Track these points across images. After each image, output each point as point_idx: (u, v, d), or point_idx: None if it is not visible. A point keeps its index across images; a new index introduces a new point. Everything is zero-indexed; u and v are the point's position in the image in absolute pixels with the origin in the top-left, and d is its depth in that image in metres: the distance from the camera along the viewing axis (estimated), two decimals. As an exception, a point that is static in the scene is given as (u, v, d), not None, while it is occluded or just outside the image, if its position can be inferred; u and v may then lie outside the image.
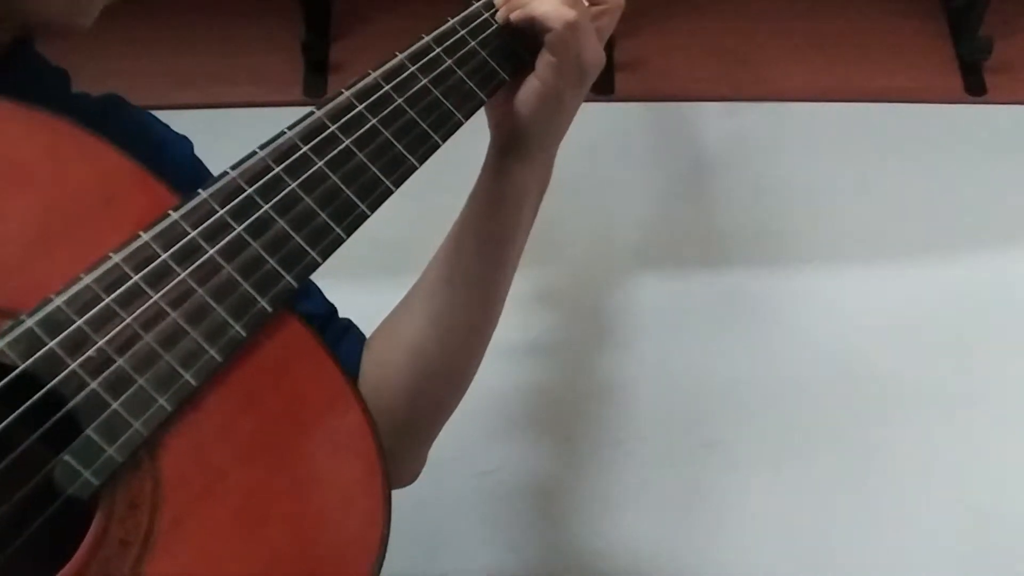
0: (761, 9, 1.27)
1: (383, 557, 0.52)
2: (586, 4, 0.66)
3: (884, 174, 1.19)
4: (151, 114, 0.72)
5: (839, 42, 1.25)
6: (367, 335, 0.72)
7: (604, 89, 1.21)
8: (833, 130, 1.21)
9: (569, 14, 0.63)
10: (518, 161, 0.68)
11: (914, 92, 1.23)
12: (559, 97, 0.66)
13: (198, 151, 0.73)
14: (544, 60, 0.65)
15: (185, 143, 0.72)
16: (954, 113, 1.23)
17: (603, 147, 1.18)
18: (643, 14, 1.24)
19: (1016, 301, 1.13)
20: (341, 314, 0.72)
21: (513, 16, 0.65)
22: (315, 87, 1.18)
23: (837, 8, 1.27)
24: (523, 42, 0.65)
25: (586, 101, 1.24)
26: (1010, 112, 1.23)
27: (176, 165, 0.67)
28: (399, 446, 0.70)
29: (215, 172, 0.56)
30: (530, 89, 0.66)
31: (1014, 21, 1.26)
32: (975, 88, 1.24)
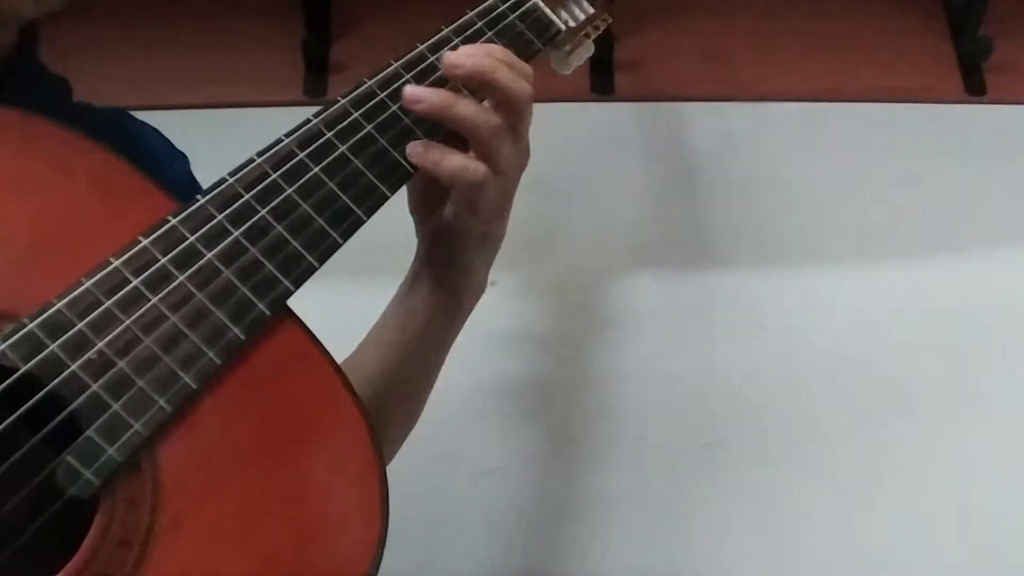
0: (762, 9, 1.27)
1: (380, 557, 0.53)
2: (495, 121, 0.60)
3: (884, 174, 1.19)
4: (153, 128, 0.72)
5: (839, 42, 1.25)
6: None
7: (604, 89, 1.21)
8: (833, 130, 1.21)
9: (479, 172, 0.59)
10: (457, 282, 0.67)
11: (914, 92, 1.23)
12: (485, 232, 0.65)
13: (198, 151, 0.73)
14: (457, 206, 0.63)
15: (183, 161, 0.72)
16: (954, 113, 1.22)
17: (603, 147, 1.18)
18: (643, 14, 1.24)
19: (1016, 301, 1.14)
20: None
21: (414, 162, 0.59)
22: (315, 87, 1.18)
23: (838, 8, 1.27)
24: None
25: (586, 101, 1.25)
26: (1010, 112, 1.23)
27: (171, 183, 0.67)
28: None
29: (215, 173, 0.56)
30: (448, 222, 0.64)
31: (1014, 21, 1.26)
32: (975, 88, 1.24)
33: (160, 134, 0.72)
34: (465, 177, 0.59)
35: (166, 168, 0.68)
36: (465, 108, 0.59)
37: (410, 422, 0.73)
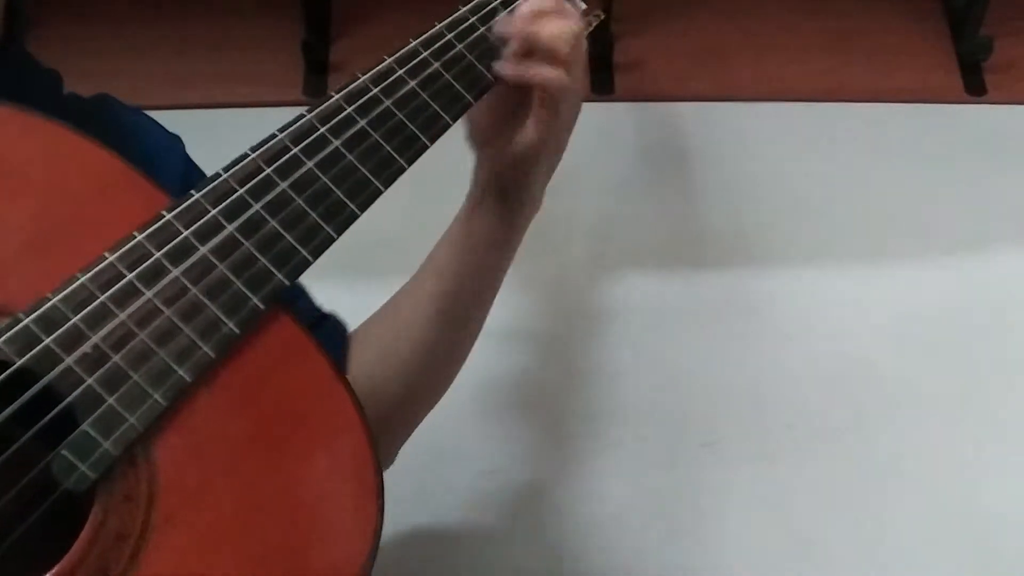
0: (762, 9, 1.27)
1: (375, 553, 0.53)
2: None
3: (884, 174, 1.19)
4: (143, 114, 0.73)
5: (840, 42, 1.25)
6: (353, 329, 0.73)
7: (604, 89, 1.21)
8: (834, 130, 1.21)
9: (563, 74, 0.66)
10: (524, 203, 0.71)
11: (914, 92, 1.23)
12: (558, 145, 0.70)
13: (198, 151, 0.73)
14: (539, 114, 0.67)
15: (176, 143, 0.72)
16: (954, 113, 1.22)
17: (603, 147, 1.18)
18: (643, 14, 1.24)
19: (1016, 301, 1.13)
20: (332, 309, 0.73)
21: (509, 76, 0.66)
22: (315, 87, 1.18)
23: (838, 8, 1.27)
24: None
25: (585, 101, 1.24)
26: (1010, 112, 1.23)
27: (166, 166, 0.67)
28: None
29: (213, 172, 0.57)
30: (529, 140, 0.68)
31: (1014, 21, 1.26)
32: (975, 88, 1.24)
33: (151, 120, 0.73)
34: (552, 78, 0.66)
35: (159, 157, 0.68)
36: (552, 26, 0.66)
37: (468, 349, 0.77)
